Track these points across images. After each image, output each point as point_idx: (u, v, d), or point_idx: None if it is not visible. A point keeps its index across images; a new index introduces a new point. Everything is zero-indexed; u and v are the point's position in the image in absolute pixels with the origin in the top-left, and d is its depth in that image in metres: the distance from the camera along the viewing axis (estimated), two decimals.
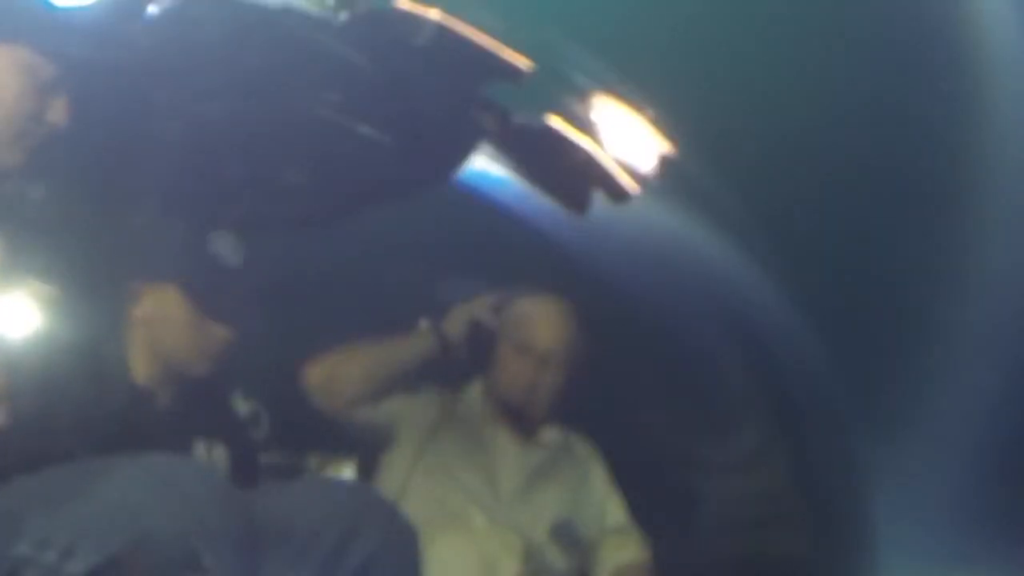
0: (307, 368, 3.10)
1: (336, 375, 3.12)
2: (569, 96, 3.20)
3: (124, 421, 2.75)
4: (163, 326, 2.86)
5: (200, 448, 2.88)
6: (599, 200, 3.20)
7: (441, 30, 2.91)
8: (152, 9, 2.86)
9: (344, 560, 2.60)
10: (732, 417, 3.51)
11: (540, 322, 3.23)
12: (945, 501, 4.53)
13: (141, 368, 2.84)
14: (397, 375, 3.17)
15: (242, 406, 3.03)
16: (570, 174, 3.18)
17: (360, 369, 3.14)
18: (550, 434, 3.27)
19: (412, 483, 3.09)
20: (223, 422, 2.97)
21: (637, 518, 3.25)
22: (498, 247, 3.39)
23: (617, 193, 3.18)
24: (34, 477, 2.52)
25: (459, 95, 3.07)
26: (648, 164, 3.22)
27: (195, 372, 2.88)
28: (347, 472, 3.19)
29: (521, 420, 3.23)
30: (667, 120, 3.25)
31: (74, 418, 2.67)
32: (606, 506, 3.25)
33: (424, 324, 3.18)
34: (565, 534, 3.18)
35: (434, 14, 2.91)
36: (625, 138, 3.20)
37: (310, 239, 3.21)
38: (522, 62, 2.97)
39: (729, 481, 3.42)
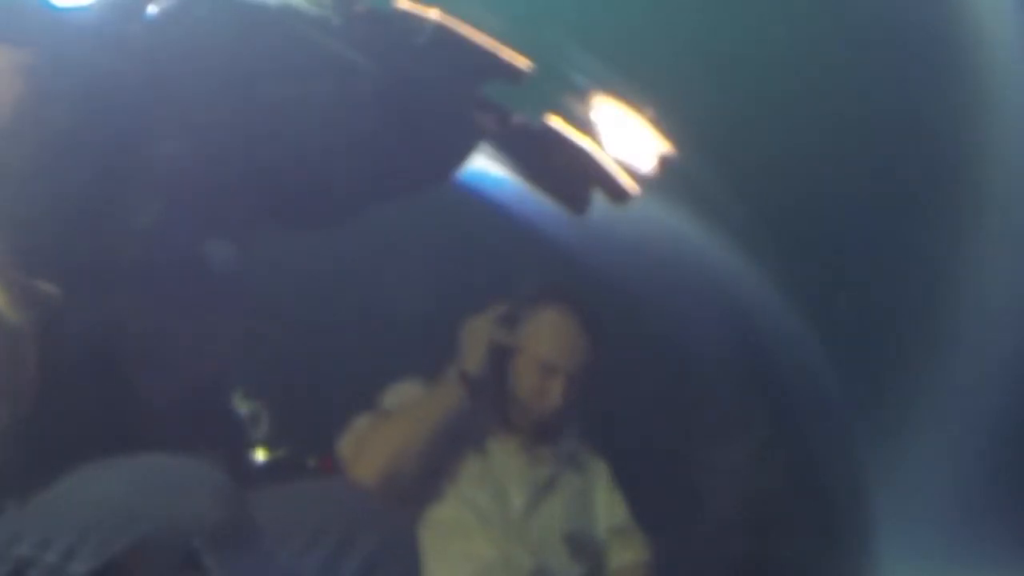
0: (359, 470, 3.01)
1: (391, 473, 3.04)
2: (569, 96, 3.20)
3: (123, 421, 2.75)
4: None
5: (200, 448, 2.88)
6: (599, 200, 3.20)
7: (441, 30, 2.91)
8: (152, 9, 2.86)
9: (344, 560, 2.60)
10: (732, 417, 3.51)
11: (562, 338, 3.16)
12: (945, 501, 4.53)
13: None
14: (437, 439, 3.13)
15: (242, 406, 3.03)
16: (570, 174, 3.18)
17: (412, 458, 3.04)
18: (557, 444, 3.25)
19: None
20: (223, 422, 2.97)
21: (638, 518, 3.24)
22: (497, 247, 3.39)
23: (617, 193, 3.19)
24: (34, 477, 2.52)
25: (459, 95, 3.08)
26: (648, 164, 3.22)
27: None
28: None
29: (537, 433, 3.20)
30: (667, 120, 3.25)
31: (74, 418, 2.68)
32: (610, 508, 3.23)
33: (451, 374, 3.10)
34: (577, 543, 3.15)
35: (434, 14, 2.92)
36: (625, 138, 3.20)
37: (310, 239, 3.21)
38: (522, 62, 2.97)
39: (729, 481, 3.42)
